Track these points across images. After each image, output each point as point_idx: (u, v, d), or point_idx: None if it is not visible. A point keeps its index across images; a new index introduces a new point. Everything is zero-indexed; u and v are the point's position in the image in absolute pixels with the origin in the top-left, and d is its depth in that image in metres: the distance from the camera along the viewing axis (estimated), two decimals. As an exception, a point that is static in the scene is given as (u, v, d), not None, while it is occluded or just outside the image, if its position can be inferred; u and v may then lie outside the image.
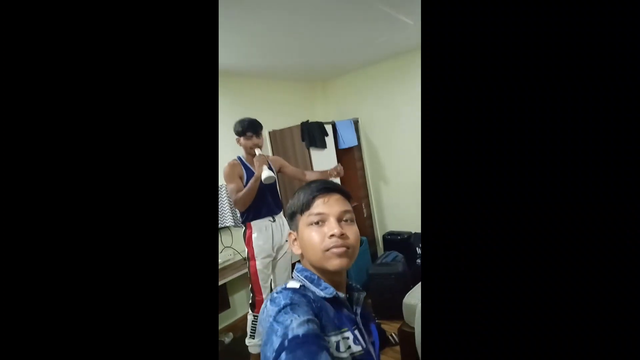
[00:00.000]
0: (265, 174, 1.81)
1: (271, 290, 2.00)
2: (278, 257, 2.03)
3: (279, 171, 2.13)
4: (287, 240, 2.10)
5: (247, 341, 1.92)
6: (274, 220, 1.99)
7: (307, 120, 3.13)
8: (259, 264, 1.90)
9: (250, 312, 1.93)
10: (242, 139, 1.93)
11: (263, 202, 1.95)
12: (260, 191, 1.94)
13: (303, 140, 3.11)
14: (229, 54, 2.47)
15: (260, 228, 1.93)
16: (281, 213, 2.08)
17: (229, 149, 2.28)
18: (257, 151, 1.90)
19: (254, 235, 1.91)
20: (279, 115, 3.48)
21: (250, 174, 1.92)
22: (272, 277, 2.06)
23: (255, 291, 1.91)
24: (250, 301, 1.94)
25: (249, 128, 1.92)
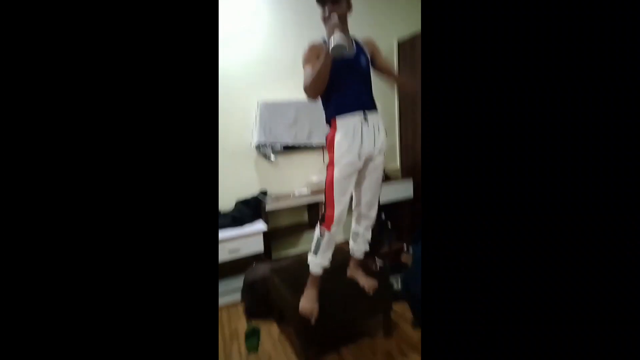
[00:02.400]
0: (335, 39, 1.27)
1: (350, 209, 1.63)
2: (366, 171, 1.61)
3: (372, 58, 1.61)
4: (380, 151, 1.66)
5: (310, 258, 1.64)
6: (366, 119, 1.53)
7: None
8: (337, 173, 1.51)
9: (318, 225, 1.62)
10: (325, 6, 1.44)
11: (352, 90, 1.51)
12: (348, 76, 1.49)
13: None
14: None
15: (347, 128, 1.50)
16: (376, 112, 1.59)
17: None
18: (334, 16, 1.38)
19: (337, 136, 1.51)
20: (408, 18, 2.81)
21: None
22: (353, 194, 1.67)
23: (327, 203, 1.55)
24: (320, 214, 1.61)
25: None
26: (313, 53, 1.49)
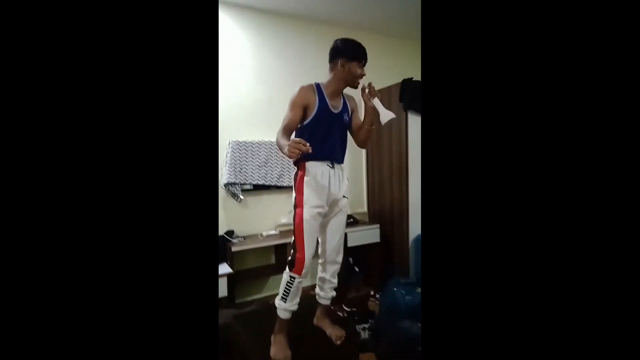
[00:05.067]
0: (386, 115, 1.50)
1: (317, 252, 1.61)
2: (331, 214, 1.62)
3: (352, 115, 1.70)
4: (344, 197, 1.71)
5: (277, 303, 1.58)
6: (333, 167, 1.58)
7: (411, 78, 2.60)
8: (306, 214, 1.52)
9: (287, 270, 1.58)
10: (353, 64, 1.54)
11: (328, 143, 1.56)
12: (329, 128, 1.56)
13: (401, 100, 2.60)
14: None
15: (316, 172, 1.54)
16: (343, 165, 1.66)
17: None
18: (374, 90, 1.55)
19: (305, 179, 1.54)
20: (375, 71, 3.00)
21: (323, 107, 1.53)
22: (320, 239, 1.66)
23: (297, 246, 1.54)
24: (290, 257, 1.58)
25: (363, 54, 1.56)
26: (303, 97, 1.53)
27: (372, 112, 1.59)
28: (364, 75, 1.58)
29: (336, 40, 1.58)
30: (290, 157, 1.27)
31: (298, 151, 1.23)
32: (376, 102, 1.54)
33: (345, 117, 1.62)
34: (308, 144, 1.24)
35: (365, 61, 1.57)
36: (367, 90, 1.56)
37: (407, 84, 2.58)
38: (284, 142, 1.34)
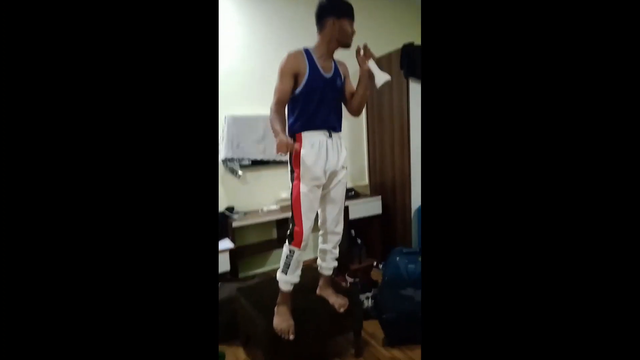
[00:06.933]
0: (382, 76, 1.45)
1: (315, 224, 1.59)
2: (330, 185, 1.59)
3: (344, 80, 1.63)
4: (343, 167, 1.67)
5: (279, 276, 1.58)
6: (331, 137, 1.54)
7: (412, 43, 2.50)
8: (303, 187, 1.48)
9: (286, 243, 1.57)
10: (343, 21, 1.46)
11: (322, 110, 1.51)
12: (323, 96, 1.50)
13: (402, 68, 2.52)
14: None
15: (313, 143, 1.49)
16: (341, 133, 1.61)
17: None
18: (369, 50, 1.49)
19: (302, 150, 1.49)
20: (373, 37, 2.89)
21: (315, 73, 1.47)
22: (319, 211, 1.64)
23: (295, 219, 1.51)
24: (289, 231, 1.56)
25: (351, 11, 1.49)
26: (292, 64, 1.47)
27: (366, 76, 1.53)
28: (355, 33, 1.51)
29: None
30: (278, 152, 1.33)
31: (286, 149, 1.30)
32: (371, 63, 1.49)
33: (339, 82, 1.56)
34: (292, 142, 1.36)
35: (353, 18, 1.50)
36: (361, 52, 1.49)
37: (407, 49, 2.48)
38: (277, 127, 1.39)
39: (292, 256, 1.53)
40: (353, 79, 1.63)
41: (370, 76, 1.50)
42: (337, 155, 1.56)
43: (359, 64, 1.51)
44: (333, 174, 1.57)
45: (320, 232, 1.70)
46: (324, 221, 1.65)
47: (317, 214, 1.61)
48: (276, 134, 1.38)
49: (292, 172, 1.54)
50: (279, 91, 1.46)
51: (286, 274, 1.56)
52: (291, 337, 1.47)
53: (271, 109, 1.46)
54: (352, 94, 1.62)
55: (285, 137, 1.34)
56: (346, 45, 1.52)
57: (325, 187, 1.59)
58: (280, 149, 1.30)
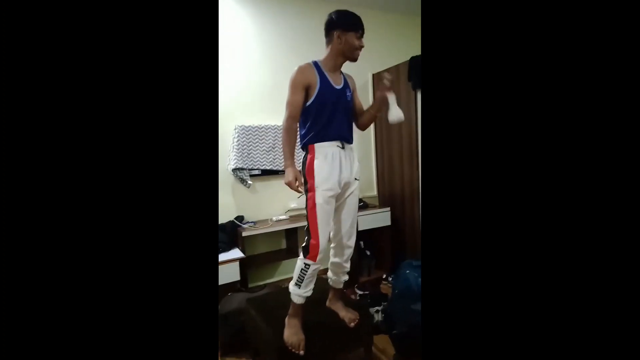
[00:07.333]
0: (397, 113, 1.48)
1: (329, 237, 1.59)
2: (343, 197, 1.58)
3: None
4: (356, 178, 1.64)
5: (291, 288, 1.56)
6: (344, 148, 1.53)
7: (419, 56, 2.51)
8: (318, 198, 1.47)
9: (301, 256, 1.55)
10: (350, 34, 1.47)
11: (334, 122, 1.51)
12: (334, 107, 1.50)
13: (410, 79, 2.53)
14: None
15: (326, 154, 1.49)
16: (353, 145, 1.61)
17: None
18: (386, 78, 1.50)
19: (316, 161, 1.49)
20: (381, 51, 2.91)
21: (326, 84, 1.48)
22: (333, 223, 1.63)
23: (312, 232, 1.50)
24: (304, 244, 1.55)
25: (359, 24, 1.50)
26: (302, 78, 1.48)
27: (380, 102, 1.55)
28: (362, 46, 1.52)
29: (330, 13, 1.52)
30: (286, 183, 1.45)
31: (295, 186, 1.43)
32: (391, 97, 1.50)
33: (348, 94, 1.57)
34: (297, 183, 1.45)
35: (363, 32, 1.51)
36: (385, 81, 1.51)
37: (415, 61, 2.49)
38: (287, 150, 1.48)
39: (308, 270, 1.51)
40: (359, 93, 1.64)
41: (385, 105, 1.52)
42: (350, 166, 1.55)
43: (380, 90, 1.53)
44: (346, 185, 1.56)
45: (332, 245, 1.69)
46: (338, 233, 1.64)
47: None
48: (285, 159, 1.44)
49: (305, 183, 1.53)
50: (290, 104, 1.47)
51: (299, 287, 1.54)
52: (301, 352, 1.45)
53: (284, 123, 1.47)
54: (360, 109, 1.64)
55: (294, 170, 1.44)
56: (352, 59, 1.53)
57: (339, 199, 1.58)
58: (289, 184, 1.44)
